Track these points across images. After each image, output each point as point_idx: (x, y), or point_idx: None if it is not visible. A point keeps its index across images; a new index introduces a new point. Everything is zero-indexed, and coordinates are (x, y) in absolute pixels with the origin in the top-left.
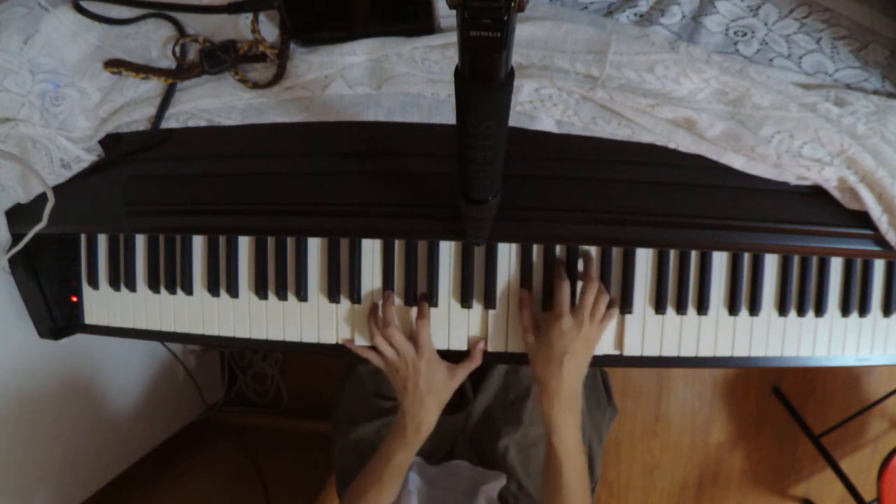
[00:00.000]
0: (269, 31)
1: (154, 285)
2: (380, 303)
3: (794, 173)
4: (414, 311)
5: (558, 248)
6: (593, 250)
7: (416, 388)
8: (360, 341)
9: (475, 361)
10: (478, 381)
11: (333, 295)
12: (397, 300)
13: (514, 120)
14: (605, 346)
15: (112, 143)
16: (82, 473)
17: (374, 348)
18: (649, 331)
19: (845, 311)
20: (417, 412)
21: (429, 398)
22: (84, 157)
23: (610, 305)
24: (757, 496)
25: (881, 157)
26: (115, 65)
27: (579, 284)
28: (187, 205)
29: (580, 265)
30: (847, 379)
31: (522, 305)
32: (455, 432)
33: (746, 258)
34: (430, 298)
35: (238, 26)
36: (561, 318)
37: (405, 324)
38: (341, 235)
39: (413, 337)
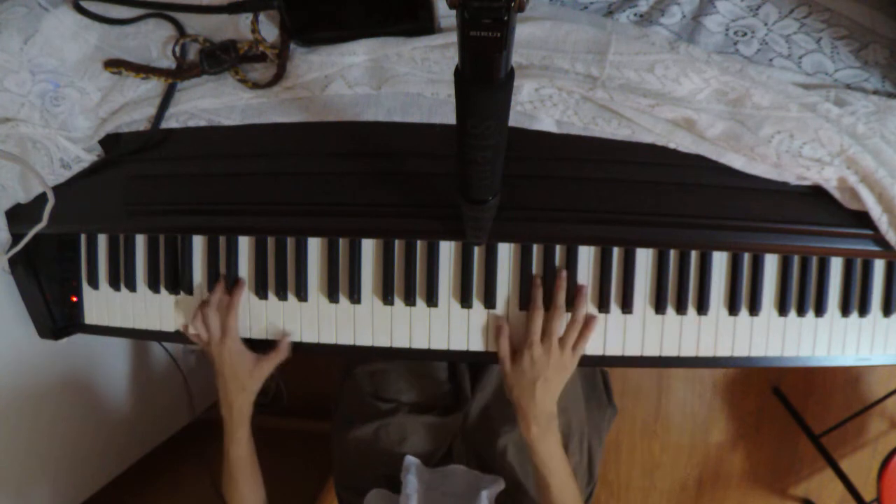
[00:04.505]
0: (269, 31)
1: (154, 285)
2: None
3: (794, 173)
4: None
5: (558, 249)
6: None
7: (222, 372)
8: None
9: (281, 354)
10: (476, 380)
11: (333, 295)
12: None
13: (514, 120)
14: (607, 346)
15: (112, 143)
16: (82, 474)
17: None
18: (649, 331)
19: (845, 311)
20: (226, 395)
21: (232, 383)
22: (84, 157)
23: (586, 325)
24: (757, 496)
25: (881, 157)
26: (115, 65)
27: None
28: (187, 205)
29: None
30: (847, 379)
31: (499, 335)
32: (453, 433)
33: (746, 258)
34: (430, 298)
35: (238, 26)
36: (532, 346)
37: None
38: (341, 235)
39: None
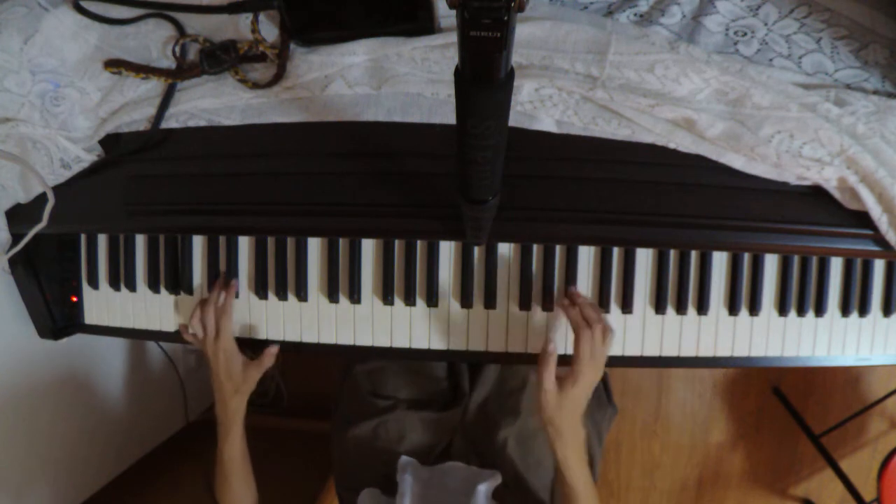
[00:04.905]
0: (269, 31)
1: (154, 285)
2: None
3: (794, 173)
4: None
5: (558, 249)
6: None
7: (217, 372)
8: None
9: (266, 362)
10: (473, 375)
11: (333, 295)
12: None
13: (514, 120)
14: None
15: (112, 143)
16: (82, 474)
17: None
18: (649, 331)
19: (845, 311)
20: (222, 393)
21: (227, 383)
22: (84, 157)
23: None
24: (757, 496)
25: (881, 157)
26: (115, 65)
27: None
28: (187, 205)
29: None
30: (847, 379)
31: (547, 363)
32: (451, 428)
33: (746, 258)
34: (430, 298)
35: (238, 26)
36: (585, 370)
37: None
38: (341, 235)
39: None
